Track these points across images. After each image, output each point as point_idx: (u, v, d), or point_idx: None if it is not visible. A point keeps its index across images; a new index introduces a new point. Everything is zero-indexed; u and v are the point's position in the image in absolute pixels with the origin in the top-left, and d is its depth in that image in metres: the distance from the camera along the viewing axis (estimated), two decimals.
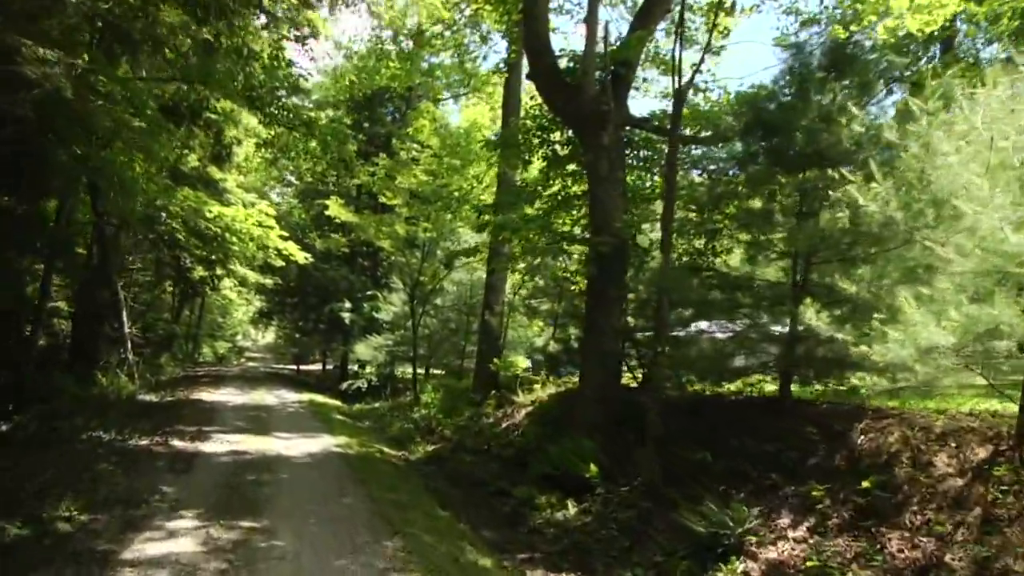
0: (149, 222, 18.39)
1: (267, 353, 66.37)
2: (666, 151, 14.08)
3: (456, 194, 20.70)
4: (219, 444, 13.33)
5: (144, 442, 12.93)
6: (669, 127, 10.69)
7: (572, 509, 9.80)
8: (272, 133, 20.92)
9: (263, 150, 21.15)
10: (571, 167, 14.30)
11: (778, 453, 8.73)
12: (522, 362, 16.71)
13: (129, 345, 21.75)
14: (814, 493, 7.64)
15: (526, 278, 18.53)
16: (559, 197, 14.38)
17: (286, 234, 17.01)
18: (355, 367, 27.32)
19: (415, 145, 22.19)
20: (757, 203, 10.15)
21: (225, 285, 22.92)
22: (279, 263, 17.67)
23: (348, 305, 27.76)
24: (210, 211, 14.32)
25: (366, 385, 25.46)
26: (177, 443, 13.05)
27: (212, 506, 8.59)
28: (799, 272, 9.82)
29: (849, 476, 7.75)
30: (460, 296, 23.88)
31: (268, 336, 72.66)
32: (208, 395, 22.36)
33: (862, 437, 8.27)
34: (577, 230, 14.56)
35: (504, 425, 15.45)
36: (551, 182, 14.49)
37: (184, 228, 16.16)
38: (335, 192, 25.88)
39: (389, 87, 30.44)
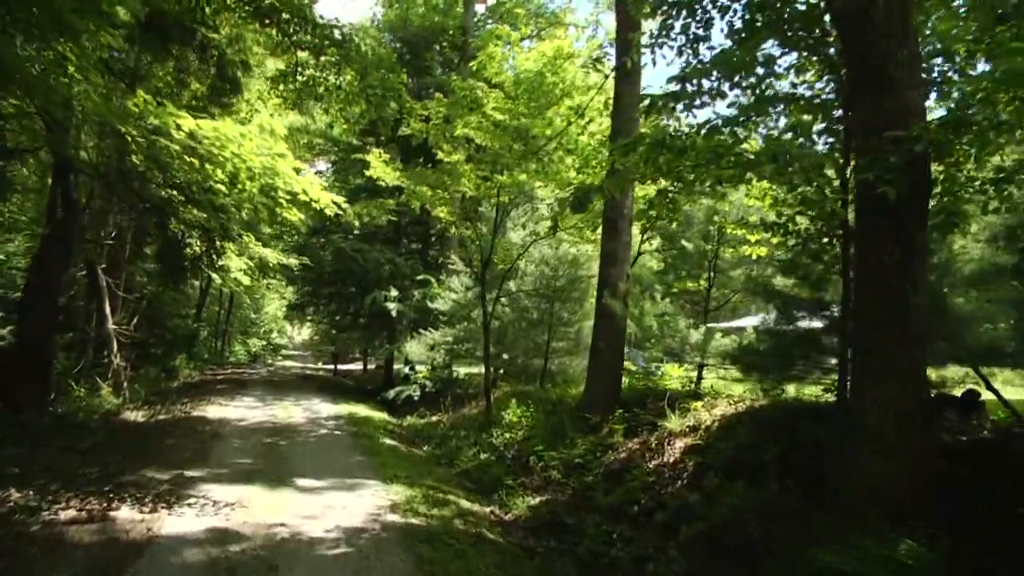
0: (123, 178, 13.07)
1: (305, 351, 61.57)
2: None
3: (548, 133, 15.08)
4: (197, 512, 7.91)
5: (71, 512, 7.61)
6: None
7: None
8: (292, 61, 15.52)
9: (281, 86, 15.75)
10: (773, 44, 8.55)
11: None
12: (674, 368, 11.06)
13: (115, 346, 16.54)
14: None
15: (656, 245, 12.85)
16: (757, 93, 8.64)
17: (301, 166, 11.28)
18: (405, 368, 21.84)
19: (480, 84, 16.63)
20: None
21: (234, 267, 17.38)
22: (294, 216, 12.10)
23: (394, 293, 22.27)
24: (178, 125, 8.75)
25: (419, 393, 19.99)
26: (124, 514, 7.65)
27: None
28: None
29: None
30: (541, 277, 18.26)
31: (305, 332, 68.03)
32: (218, 409, 17.09)
33: None
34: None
35: (652, 465, 9.85)
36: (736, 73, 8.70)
37: (151, 165, 10.79)
38: (378, 146, 20.29)
39: (442, 26, 25.15)
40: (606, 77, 14.61)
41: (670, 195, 9.52)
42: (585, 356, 18.13)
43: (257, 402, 19.25)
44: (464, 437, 15.33)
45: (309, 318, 39.68)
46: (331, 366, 39.80)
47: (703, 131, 8.16)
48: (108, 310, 16.28)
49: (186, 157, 9.37)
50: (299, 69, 15.67)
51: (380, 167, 17.71)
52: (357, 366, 39.36)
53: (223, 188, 10.22)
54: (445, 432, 16.59)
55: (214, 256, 15.68)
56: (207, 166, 9.53)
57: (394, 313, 21.91)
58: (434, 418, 18.80)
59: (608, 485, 9.97)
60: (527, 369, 19.49)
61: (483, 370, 22.35)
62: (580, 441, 11.66)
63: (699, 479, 9.00)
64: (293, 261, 20.84)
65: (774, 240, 10.46)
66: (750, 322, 12.30)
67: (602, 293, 12.46)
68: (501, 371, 20.16)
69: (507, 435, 13.63)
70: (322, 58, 15.39)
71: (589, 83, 16.78)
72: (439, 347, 19.59)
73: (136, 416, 14.92)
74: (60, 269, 13.20)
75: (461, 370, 21.42)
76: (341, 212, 12.67)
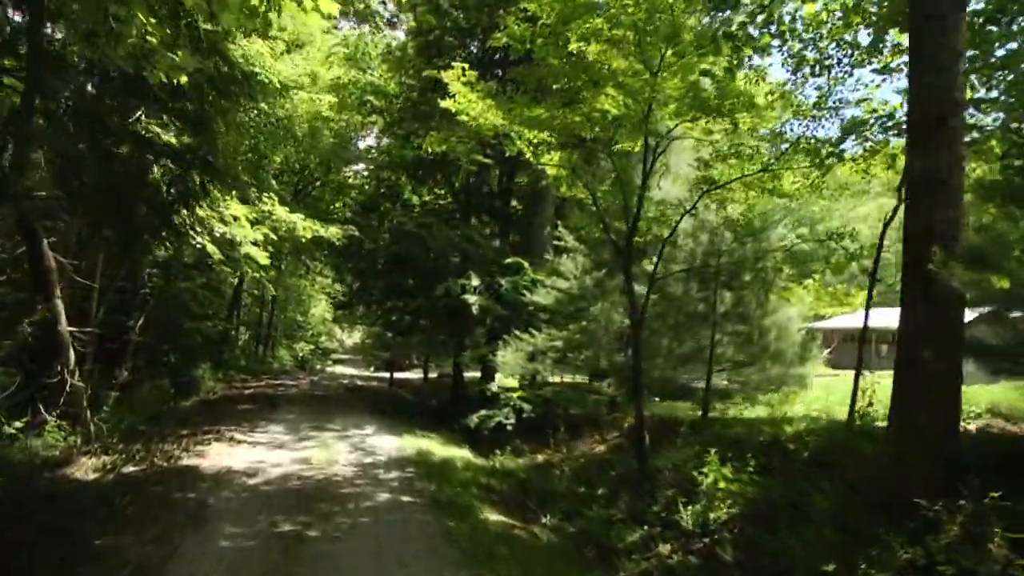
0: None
1: (355, 355, 56.12)
2: None
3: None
4: None
5: None
6: None
7: None
8: None
9: None
10: None
11: None
12: None
13: (71, 356, 10.97)
14: None
15: None
16: None
17: None
18: (492, 386, 15.89)
19: None
20: None
21: (242, 235, 10.74)
22: (314, 18, 6.16)
23: (475, 282, 16.28)
24: None
25: (513, 419, 14.13)
26: None
27: None
28: None
29: None
30: (693, 254, 12.24)
31: (355, 336, 62.59)
32: (225, 449, 11.46)
33: None
34: None
35: None
36: None
37: None
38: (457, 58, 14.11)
39: None
40: None
41: None
42: (769, 367, 12.14)
43: (287, 432, 13.58)
44: (606, 501, 9.56)
45: (359, 319, 34.08)
46: (385, 374, 34.15)
47: None
48: (60, 304, 10.73)
49: None
50: None
51: (463, 92, 11.82)
52: (415, 374, 33.74)
53: None
54: (567, 486, 10.81)
55: (191, 203, 9.74)
56: None
57: (475, 309, 15.90)
58: (539, 457, 13.04)
59: None
60: (666, 384, 13.56)
61: (577, 380, 16.50)
62: (900, 550, 5.70)
63: None
64: (335, 231, 14.66)
65: None
66: None
67: (920, 255, 6.36)
68: (620, 387, 14.15)
69: (711, 514, 7.69)
70: None
71: None
72: (543, 356, 13.69)
73: (87, 468, 9.38)
74: None
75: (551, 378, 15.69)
76: None
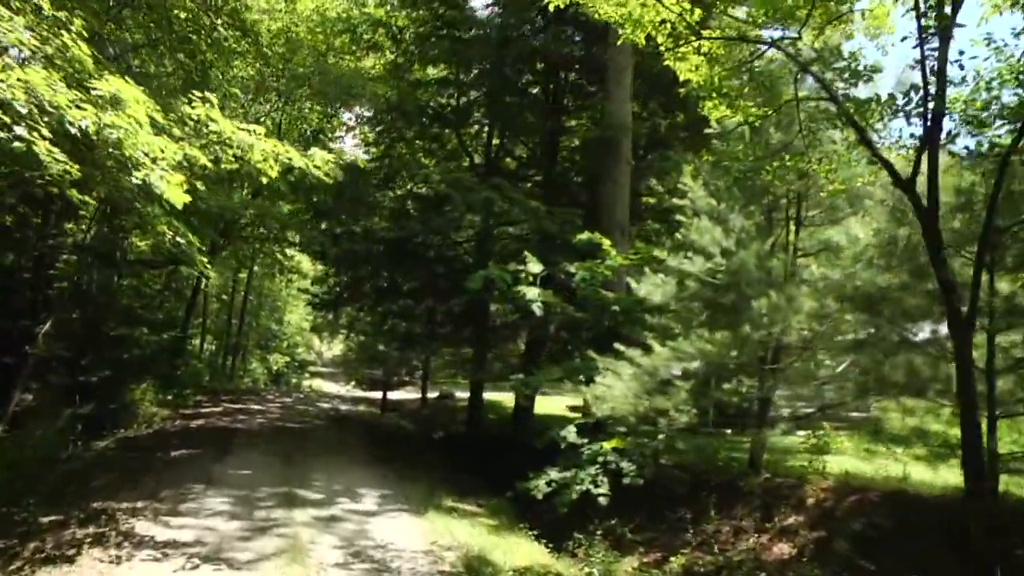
0: None
1: (335, 367, 50.15)
2: None
3: None
4: None
5: None
6: None
7: None
8: None
9: None
10: None
11: None
12: None
13: None
14: None
15: None
16: None
17: None
18: (569, 434, 9.93)
19: None
20: None
21: (124, 130, 5.77)
22: None
23: (535, 270, 10.27)
24: None
25: (606, 486, 8.49)
26: None
27: None
28: None
29: None
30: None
31: (336, 347, 56.43)
32: (100, 572, 5.81)
33: None
34: None
35: None
36: None
37: None
38: None
39: None
40: None
41: None
42: None
43: (233, 513, 7.93)
44: None
45: (342, 326, 28.25)
46: (372, 393, 28.25)
47: None
48: None
49: None
50: None
51: None
52: (408, 394, 27.72)
53: None
54: None
55: None
56: None
57: (537, 309, 10.04)
58: (673, 561, 7.53)
59: None
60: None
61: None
62: None
63: None
64: (323, 157, 8.45)
65: None
66: None
67: None
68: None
69: None
70: None
71: None
72: (671, 386, 8.07)
73: None
74: None
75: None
76: None
